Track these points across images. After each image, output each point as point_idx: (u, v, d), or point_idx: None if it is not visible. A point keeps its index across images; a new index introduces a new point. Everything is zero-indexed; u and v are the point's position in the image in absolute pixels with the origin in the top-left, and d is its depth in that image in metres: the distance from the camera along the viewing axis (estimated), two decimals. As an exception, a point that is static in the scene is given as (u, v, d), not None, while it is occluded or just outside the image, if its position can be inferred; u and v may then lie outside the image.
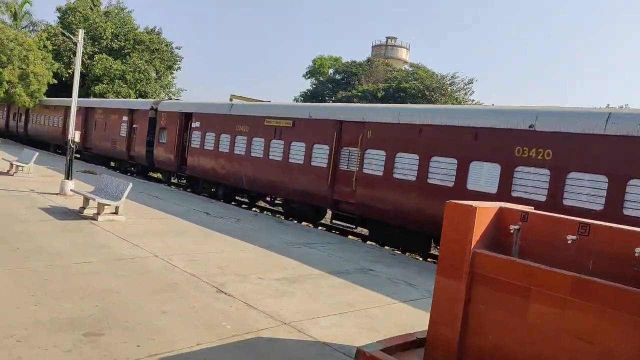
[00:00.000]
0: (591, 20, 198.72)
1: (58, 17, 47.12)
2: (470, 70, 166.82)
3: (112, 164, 30.83)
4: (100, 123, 29.85)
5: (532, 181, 11.21)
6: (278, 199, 19.72)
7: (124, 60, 44.95)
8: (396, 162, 13.97)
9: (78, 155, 34.94)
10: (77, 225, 12.12)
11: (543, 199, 10.88)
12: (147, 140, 25.59)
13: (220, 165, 20.79)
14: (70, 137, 16.35)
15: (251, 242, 12.22)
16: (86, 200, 13.63)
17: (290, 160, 17.42)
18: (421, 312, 8.00)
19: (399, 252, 14.21)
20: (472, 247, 4.95)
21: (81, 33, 16.35)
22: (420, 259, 14.01)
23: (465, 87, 64.38)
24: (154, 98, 46.97)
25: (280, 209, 20.34)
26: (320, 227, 17.70)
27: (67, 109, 34.63)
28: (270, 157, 18.27)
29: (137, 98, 44.43)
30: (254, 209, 21.41)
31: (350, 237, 16.34)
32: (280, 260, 10.73)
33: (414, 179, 13.52)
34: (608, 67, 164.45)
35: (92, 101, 33.71)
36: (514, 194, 11.32)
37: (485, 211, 5.11)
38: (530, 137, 11.30)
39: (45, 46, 37.86)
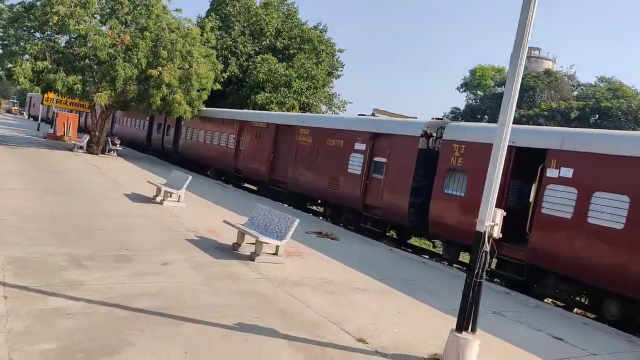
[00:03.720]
0: None
1: (211, 7, 38.47)
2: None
3: (315, 207, 21.13)
4: (306, 150, 19.97)
5: None
6: None
7: (289, 63, 35.63)
8: None
9: (255, 188, 25.62)
10: None
11: None
12: (413, 187, 15.42)
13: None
14: (484, 227, 6.14)
15: None
16: None
17: None
18: None
19: None
20: None
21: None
22: None
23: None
24: (314, 111, 37.25)
25: None
26: None
27: (242, 123, 25.40)
28: None
29: (299, 111, 34.87)
30: None
31: None
32: None
33: None
34: None
35: (289, 116, 24.27)
36: None
37: None
38: None
39: (208, 40, 29.07)
